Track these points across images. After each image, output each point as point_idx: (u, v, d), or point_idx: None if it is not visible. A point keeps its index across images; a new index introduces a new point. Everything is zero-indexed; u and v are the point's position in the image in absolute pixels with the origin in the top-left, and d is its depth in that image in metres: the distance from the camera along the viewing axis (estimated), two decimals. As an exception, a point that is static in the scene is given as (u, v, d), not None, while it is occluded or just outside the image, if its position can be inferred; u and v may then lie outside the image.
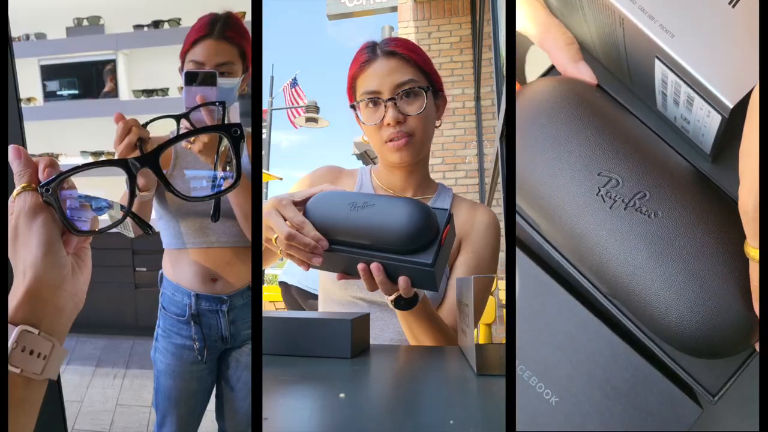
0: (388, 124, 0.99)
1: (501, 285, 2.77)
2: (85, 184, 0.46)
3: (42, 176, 0.44)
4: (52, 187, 0.43)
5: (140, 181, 0.89)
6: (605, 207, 0.50)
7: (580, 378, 0.54)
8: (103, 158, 2.42)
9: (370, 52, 1.03)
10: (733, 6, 0.46)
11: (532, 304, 0.56)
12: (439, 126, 1.09)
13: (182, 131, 0.91)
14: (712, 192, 0.51)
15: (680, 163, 0.52)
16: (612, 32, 0.54)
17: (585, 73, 0.57)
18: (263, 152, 6.78)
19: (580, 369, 0.54)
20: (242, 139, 0.51)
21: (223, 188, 0.67)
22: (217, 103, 0.91)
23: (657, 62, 0.50)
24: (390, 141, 1.00)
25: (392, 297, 0.81)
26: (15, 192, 0.43)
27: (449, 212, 0.76)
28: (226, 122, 0.91)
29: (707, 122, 0.50)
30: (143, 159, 0.45)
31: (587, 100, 0.54)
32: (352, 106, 1.06)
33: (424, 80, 1.02)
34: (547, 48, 0.59)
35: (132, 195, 0.45)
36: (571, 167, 0.52)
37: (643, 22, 0.48)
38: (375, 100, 1.00)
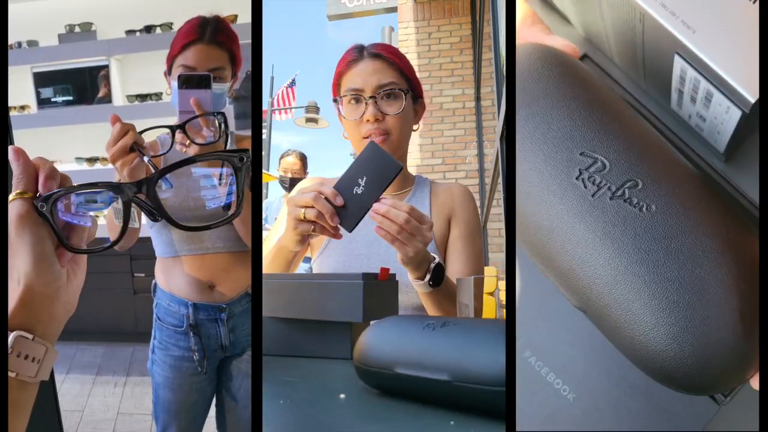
0: (368, 120, 1.05)
1: (501, 285, 2.75)
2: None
3: (41, 187, 0.42)
4: (50, 203, 0.42)
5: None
6: (586, 195, 0.42)
7: (597, 374, 0.52)
8: (98, 165, 2.43)
9: (357, 52, 1.11)
10: (754, 2, 0.46)
11: (548, 300, 0.54)
12: (417, 130, 1.17)
13: (177, 141, 0.90)
14: (716, 193, 0.44)
15: (681, 155, 0.46)
16: (630, 29, 0.53)
17: (560, 42, 0.51)
18: (263, 152, 6.77)
19: (597, 366, 0.52)
20: (246, 169, 0.48)
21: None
22: (215, 114, 0.91)
23: (676, 58, 0.49)
24: (367, 137, 1.05)
25: (426, 279, 0.89)
26: (11, 196, 0.42)
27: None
28: (226, 130, 0.90)
29: (725, 119, 0.49)
30: (140, 183, 0.43)
31: (571, 69, 0.48)
32: (335, 100, 1.13)
33: (405, 84, 1.10)
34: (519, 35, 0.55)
35: (125, 225, 0.44)
36: (546, 143, 0.44)
37: (664, 18, 0.47)
38: (357, 97, 1.07)
